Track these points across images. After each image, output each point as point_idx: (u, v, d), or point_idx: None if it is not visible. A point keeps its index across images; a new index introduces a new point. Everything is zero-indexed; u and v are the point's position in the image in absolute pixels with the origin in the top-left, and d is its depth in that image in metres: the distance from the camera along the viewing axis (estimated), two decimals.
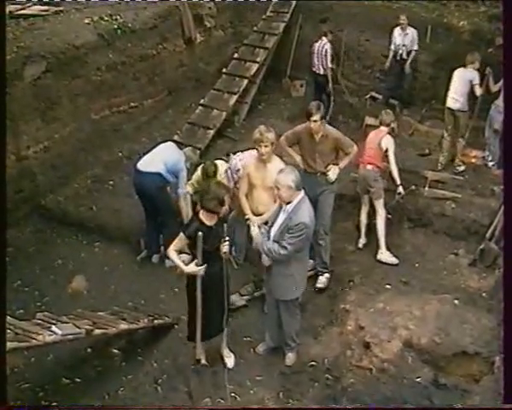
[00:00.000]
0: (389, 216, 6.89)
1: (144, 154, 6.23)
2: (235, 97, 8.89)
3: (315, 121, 5.35)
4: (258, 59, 9.40)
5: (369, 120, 9.13)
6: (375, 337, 4.98)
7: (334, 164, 5.60)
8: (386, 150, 6.22)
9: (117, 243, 6.66)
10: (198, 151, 6.71)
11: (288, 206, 4.46)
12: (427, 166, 7.68)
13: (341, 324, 5.34)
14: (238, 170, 6.06)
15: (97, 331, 4.48)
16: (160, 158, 6.01)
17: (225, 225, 4.53)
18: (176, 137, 8.17)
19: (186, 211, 6.30)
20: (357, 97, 9.74)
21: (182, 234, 4.44)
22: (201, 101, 8.89)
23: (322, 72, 9.12)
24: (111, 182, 7.59)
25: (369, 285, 5.79)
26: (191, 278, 4.49)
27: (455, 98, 7.56)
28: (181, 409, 4.55)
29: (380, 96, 9.63)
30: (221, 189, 4.45)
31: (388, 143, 6.26)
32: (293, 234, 4.37)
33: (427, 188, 7.05)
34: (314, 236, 5.62)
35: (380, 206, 6.33)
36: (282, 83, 10.22)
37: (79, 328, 4.29)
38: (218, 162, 6.51)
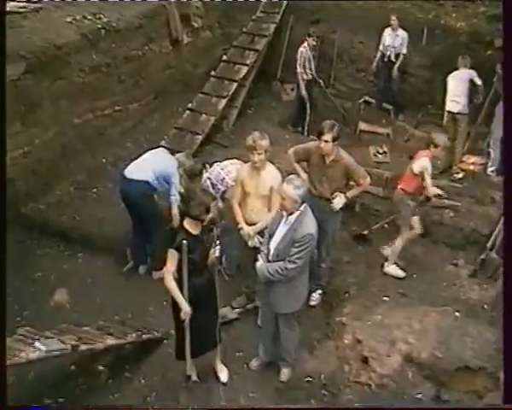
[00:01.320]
0: (386, 225, 7.00)
1: (132, 160, 6.21)
2: (224, 101, 8.89)
3: (326, 142, 5.18)
4: (247, 61, 9.42)
5: (363, 126, 9.28)
6: (374, 352, 4.98)
7: (341, 192, 5.46)
8: (422, 174, 5.84)
9: (101, 253, 6.61)
10: (192, 156, 6.65)
11: (291, 217, 4.45)
12: None
13: (338, 337, 5.34)
14: (223, 179, 6.09)
15: (83, 347, 4.42)
16: (149, 165, 5.99)
17: (213, 233, 4.52)
18: (163, 143, 8.12)
19: (177, 220, 6.23)
20: (350, 102, 9.83)
21: (171, 251, 4.36)
22: (189, 105, 8.89)
23: (306, 77, 9.15)
24: (95, 189, 7.54)
25: (366, 297, 5.80)
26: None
27: (455, 100, 7.61)
28: (182, 409, 4.58)
29: (373, 101, 9.72)
30: (206, 195, 4.47)
31: (423, 166, 5.83)
32: (301, 247, 4.36)
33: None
34: (316, 260, 5.72)
35: (404, 230, 6.19)
36: (272, 86, 10.25)
37: (65, 343, 4.23)
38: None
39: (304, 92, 9.13)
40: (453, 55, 8.16)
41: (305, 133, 9.20)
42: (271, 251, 4.55)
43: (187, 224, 4.39)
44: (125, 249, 6.54)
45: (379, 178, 7.42)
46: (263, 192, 5.14)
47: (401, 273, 6.21)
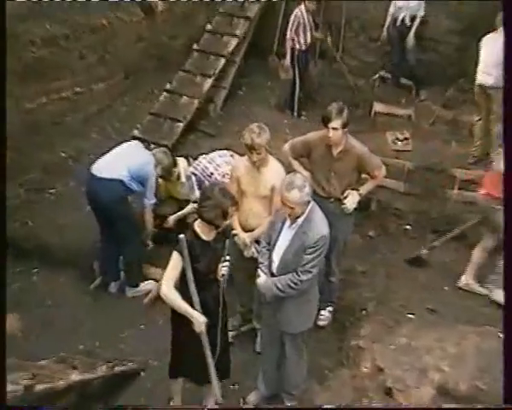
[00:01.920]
0: (407, 227, 7.03)
1: (100, 155, 6.19)
2: (209, 81, 8.88)
3: (335, 129, 5.16)
4: (237, 32, 9.39)
5: (379, 107, 9.25)
6: (399, 382, 4.94)
7: (353, 189, 5.47)
8: None
9: (63, 268, 6.59)
10: (170, 153, 6.67)
11: (299, 219, 4.45)
12: (456, 162, 7.74)
13: (354, 365, 5.33)
14: (211, 174, 6.09)
15: (40, 387, 4.34)
16: (122, 161, 6.00)
17: (227, 241, 4.50)
18: (136, 133, 8.16)
19: (150, 227, 6.38)
20: (362, 78, 9.79)
21: (175, 254, 4.31)
22: (167, 86, 8.88)
23: (298, 47, 9.14)
24: (53, 190, 7.53)
25: (387, 315, 5.78)
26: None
27: (486, 72, 7.53)
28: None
29: (390, 76, 9.71)
30: (225, 197, 4.35)
31: None
32: (315, 252, 4.40)
33: (455, 190, 7.08)
34: (324, 273, 5.74)
35: (489, 237, 6.07)
36: (267, 62, 10.21)
37: (16, 384, 4.15)
38: (179, 160, 6.60)
39: (288, 64, 9.12)
40: (491, 16, 7.71)
41: (295, 114, 9.30)
42: (275, 262, 4.54)
43: (198, 226, 4.37)
44: (92, 263, 6.54)
45: (399, 171, 7.41)
46: (263, 192, 5.12)
47: (482, 290, 6.09)
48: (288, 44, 9.06)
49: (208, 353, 4.49)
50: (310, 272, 4.42)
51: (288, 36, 9.03)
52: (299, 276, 4.44)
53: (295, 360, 4.92)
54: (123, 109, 8.91)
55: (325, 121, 5.20)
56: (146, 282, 6.39)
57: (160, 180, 6.57)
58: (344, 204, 5.43)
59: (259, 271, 4.67)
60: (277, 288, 4.51)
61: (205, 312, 4.40)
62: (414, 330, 5.46)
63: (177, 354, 4.71)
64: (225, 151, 6.44)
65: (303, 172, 5.45)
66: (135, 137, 7.84)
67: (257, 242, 5.16)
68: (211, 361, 4.53)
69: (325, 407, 4.98)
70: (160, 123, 8.45)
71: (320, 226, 4.43)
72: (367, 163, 5.39)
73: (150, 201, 6.17)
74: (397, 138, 8.64)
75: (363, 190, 5.51)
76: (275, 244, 4.55)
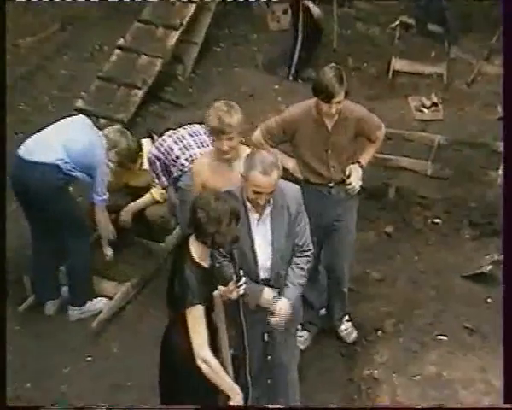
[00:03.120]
0: (438, 220, 7.08)
1: (33, 133, 6.17)
2: (175, 34, 8.89)
3: (338, 103, 5.20)
4: None
5: (399, 64, 9.25)
6: None
7: (353, 163, 5.55)
8: None
9: None
10: (128, 131, 6.62)
11: (268, 203, 4.55)
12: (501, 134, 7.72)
13: (368, 401, 5.39)
14: (176, 159, 6.06)
15: None
16: (59, 141, 5.94)
17: (234, 252, 4.46)
18: (79, 104, 8.14)
19: (106, 229, 6.36)
20: (377, 26, 9.84)
21: (198, 310, 4.23)
22: (120, 41, 8.88)
23: None
24: None
25: (411, 336, 5.83)
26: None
27: None
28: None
29: (414, 23, 9.73)
30: (227, 204, 4.23)
31: None
32: (303, 213, 4.67)
33: (500, 171, 7.07)
34: (333, 282, 5.90)
35: None
36: (252, 9, 10.22)
37: None
38: (144, 142, 6.60)
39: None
40: None
41: (290, 77, 9.29)
42: (266, 264, 4.66)
43: (197, 255, 4.29)
44: (22, 277, 6.50)
45: (425, 147, 7.46)
46: None
47: None
48: None
49: None
50: (309, 236, 4.74)
51: None
52: (306, 251, 4.77)
53: (290, 368, 5.09)
54: (61, 72, 8.89)
55: (325, 97, 5.15)
56: (95, 300, 6.36)
57: (113, 165, 6.56)
58: (348, 184, 5.48)
59: (264, 289, 4.70)
60: (301, 284, 4.80)
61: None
62: (446, 357, 5.51)
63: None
64: (198, 127, 6.30)
65: (287, 162, 5.49)
66: (78, 110, 7.80)
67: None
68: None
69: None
70: (112, 91, 8.45)
71: (288, 185, 4.69)
72: (368, 125, 5.50)
73: (101, 196, 6.11)
74: (423, 105, 8.62)
75: (364, 159, 5.57)
76: (252, 250, 4.60)
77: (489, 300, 6.23)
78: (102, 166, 6.06)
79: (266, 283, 4.70)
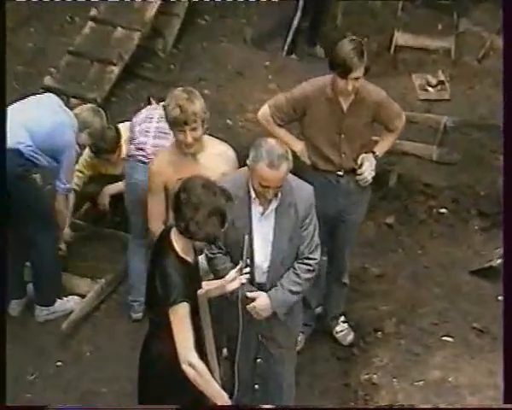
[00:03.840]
0: (443, 210, 7.11)
1: None
2: (155, 5, 8.84)
3: (355, 79, 5.20)
4: None
5: (402, 38, 9.23)
6: None
7: (365, 152, 5.55)
8: None
9: None
10: (101, 111, 6.55)
11: (275, 198, 4.50)
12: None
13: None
14: (131, 139, 6.06)
15: None
16: (21, 122, 5.89)
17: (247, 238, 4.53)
18: (47, 81, 8.11)
19: (63, 220, 6.36)
20: None
21: (183, 307, 4.20)
22: (92, 11, 8.84)
23: None
24: None
25: (413, 337, 5.86)
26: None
27: None
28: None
29: None
30: (214, 194, 4.19)
31: None
32: (313, 217, 4.60)
33: None
34: (333, 274, 5.96)
35: None
36: None
37: None
38: (122, 127, 6.56)
39: None
40: None
41: (284, 52, 9.23)
42: (263, 265, 4.63)
43: (180, 248, 4.27)
44: None
45: (430, 130, 7.47)
46: None
47: None
48: None
49: None
50: (317, 245, 4.66)
51: None
52: (309, 259, 4.63)
53: (289, 380, 5.11)
54: (28, 46, 8.84)
55: (342, 71, 5.14)
56: (65, 299, 6.35)
57: (87, 155, 6.58)
58: (360, 174, 5.50)
59: (259, 293, 4.64)
60: (293, 292, 4.63)
61: None
62: (452, 360, 5.51)
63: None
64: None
65: (295, 144, 5.49)
66: (46, 88, 7.77)
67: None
68: None
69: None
70: (85, 67, 8.41)
71: (300, 183, 4.61)
72: (387, 112, 5.50)
73: (64, 184, 6.09)
74: (428, 83, 8.64)
75: (380, 149, 5.58)
76: (250, 245, 4.55)
77: (499, 297, 6.12)
78: (70, 151, 6.02)
79: (261, 288, 4.64)
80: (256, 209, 4.54)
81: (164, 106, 4.96)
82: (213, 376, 4.33)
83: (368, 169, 5.47)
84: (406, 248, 6.96)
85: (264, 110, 5.56)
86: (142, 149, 5.93)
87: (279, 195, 4.49)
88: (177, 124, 4.84)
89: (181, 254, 4.22)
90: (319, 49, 9.36)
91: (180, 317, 4.15)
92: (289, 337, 4.94)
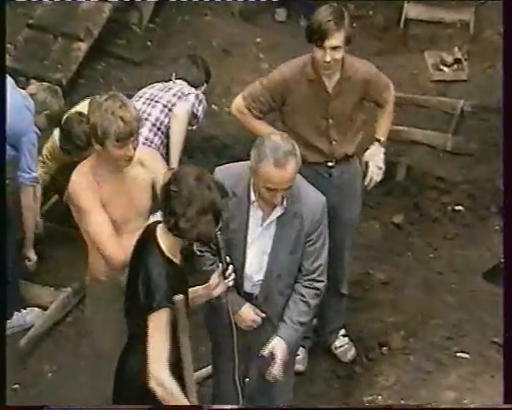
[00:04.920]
0: (459, 208, 7.17)
1: None
2: None
3: (334, 49, 5.20)
4: None
5: (414, 10, 9.26)
6: None
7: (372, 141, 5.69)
8: None
9: None
10: (59, 90, 6.66)
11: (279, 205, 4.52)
12: None
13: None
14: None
15: None
16: None
17: (218, 236, 4.46)
18: (7, 61, 8.02)
19: (33, 218, 6.38)
20: None
21: (163, 314, 4.19)
22: None
23: None
24: None
25: (423, 353, 5.92)
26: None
27: None
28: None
29: None
30: (208, 188, 4.19)
31: None
32: (323, 232, 4.64)
33: None
34: (330, 283, 5.81)
35: None
36: None
37: None
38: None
39: None
40: None
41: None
42: (254, 280, 4.69)
43: (166, 246, 4.28)
44: None
45: (445, 115, 7.55)
46: (144, 206, 5.04)
47: None
48: None
49: None
50: (325, 266, 4.72)
51: None
52: (317, 282, 4.71)
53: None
54: None
55: (318, 38, 5.17)
56: (25, 311, 6.38)
57: (52, 147, 6.59)
58: (368, 178, 5.60)
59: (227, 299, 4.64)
60: (302, 323, 4.73)
61: None
62: (469, 380, 5.55)
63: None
64: (159, 86, 6.47)
65: (276, 137, 5.51)
66: (3, 68, 7.76)
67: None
68: None
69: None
70: (47, 43, 8.41)
71: (311, 191, 4.65)
72: (375, 88, 5.58)
73: (29, 173, 6.13)
74: (442, 62, 8.65)
75: (382, 133, 5.70)
76: (243, 253, 4.60)
77: None
78: (29, 135, 6.07)
79: (248, 298, 4.69)
80: (255, 214, 4.58)
81: (86, 118, 4.85)
82: (188, 395, 4.29)
83: (375, 169, 5.57)
84: (416, 252, 6.97)
85: (238, 102, 5.57)
86: None
87: (285, 202, 4.49)
88: (121, 138, 4.72)
89: (167, 253, 4.22)
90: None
91: (158, 324, 4.13)
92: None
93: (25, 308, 6.36)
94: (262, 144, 4.38)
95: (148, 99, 6.33)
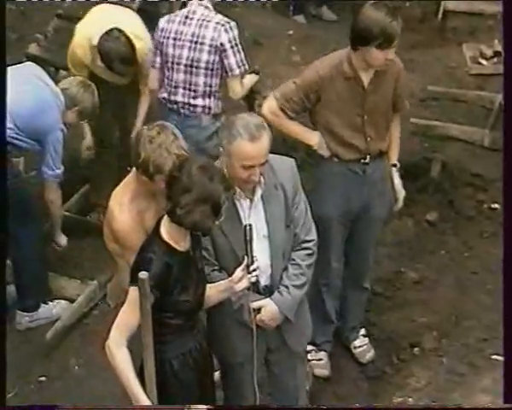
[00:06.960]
0: (496, 206, 7.15)
1: None
2: None
3: (394, 47, 5.27)
4: None
5: (452, 2, 9.26)
6: None
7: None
8: None
9: None
10: (93, 86, 6.50)
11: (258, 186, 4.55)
12: None
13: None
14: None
15: None
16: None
17: (248, 228, 4.53)
18: (32, 49, 8.15)
19: (58, 209, 6.39)
20: None
21: (132, 290, 4.25)
22: None
23: None
24: None
25: (457, 354, 5.91)
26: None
27: None
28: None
29: None
30: (214, 180, 4.27)
31: None
32: (301, 193, 4.68)
33: None
34: (352, 277, 5.99)
35: None
36: None
37: None
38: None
39: None
40: None
41: (291, 12, 9.44)
42: (266, 268, 4.66)
43: (166, 231, 4.37)
44: None
45: (482, 110, 7.56)
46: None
47: None
48: None
49: None
50: (312, 223, 4.74)
51: None
52: (307, 242, 4.72)
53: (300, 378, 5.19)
54: (8, 8, 8.72)
55: (384, 41, 5.14)
56: (52, 303, 6.41)
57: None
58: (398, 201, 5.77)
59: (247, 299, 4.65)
60: (298, 286, 4.69)
61: (184, 376, 4.50)
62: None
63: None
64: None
65: (310, 137, 5.59)
66: (31, 57, 7.70)
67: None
68: None
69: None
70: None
71: (278, 158, 4.66)
72: (402, 86, 5.64)
73: (53, 170, 6.12)
74: (481, 55, 8.65)
75: (395, 157, 5.77)
76: (247, 248, 4.48)
77: None
78: (56, 133, 6.05)
79: (268, 291, 4.68)
80: (243, 204, 4.59)
81: (137, 152, 4.62)
82: (146, 388, 4.28)
83: (401, 196, 5.74)
84: (450, 250, 6.97)
85: (270, 103, 5.54)
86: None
87: (262, 179, 4.50)
88: (160, 171, 4.63)
89: (166, 238, 4.30)
90: (326, 10, 9.50)
91: (128, 299, 4.24)
92: (301, 340, 5.01)
93: (51, 301, 6.38)
94: (232, 124, 4.40)
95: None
